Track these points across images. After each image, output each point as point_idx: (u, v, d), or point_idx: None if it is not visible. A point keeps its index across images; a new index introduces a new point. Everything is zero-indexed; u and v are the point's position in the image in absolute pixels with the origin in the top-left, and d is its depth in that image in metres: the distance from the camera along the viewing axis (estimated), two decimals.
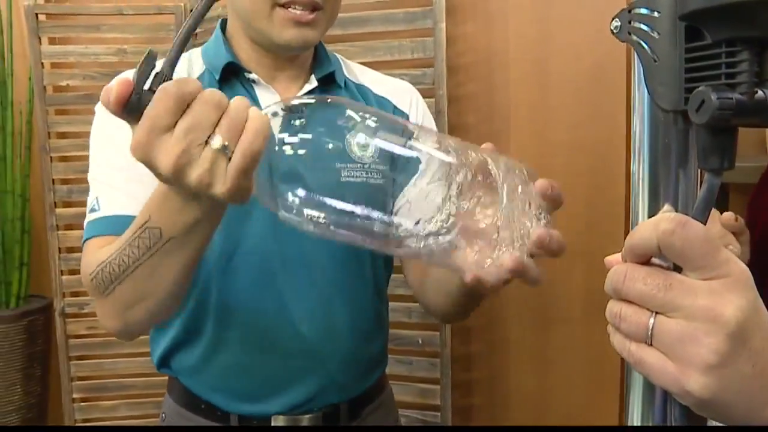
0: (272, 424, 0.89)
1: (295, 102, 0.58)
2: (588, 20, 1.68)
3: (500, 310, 1.85)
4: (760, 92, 0.36)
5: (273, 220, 0.85)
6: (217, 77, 0.88)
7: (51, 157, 2.12)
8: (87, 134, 2.26)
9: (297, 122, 0.56)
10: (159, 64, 0.53)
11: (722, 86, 0.36)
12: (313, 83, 0.91)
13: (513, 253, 0.55)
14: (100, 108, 0.87)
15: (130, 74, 0.51)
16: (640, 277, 0.38)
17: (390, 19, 1.76)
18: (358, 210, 0.56)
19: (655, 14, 0.39)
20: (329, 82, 0.93)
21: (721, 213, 0.86)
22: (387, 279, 1.00)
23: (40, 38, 2.07)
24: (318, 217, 0.54)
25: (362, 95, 0.96)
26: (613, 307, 0.40)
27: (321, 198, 0.54)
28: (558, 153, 1.77)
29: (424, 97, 1.14)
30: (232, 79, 0.89)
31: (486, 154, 0.58)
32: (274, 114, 0.56)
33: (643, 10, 0.39)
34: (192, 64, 0.91)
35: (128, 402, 2.19)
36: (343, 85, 0.95)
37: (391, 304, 1.72)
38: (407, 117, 0.97)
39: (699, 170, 0.38)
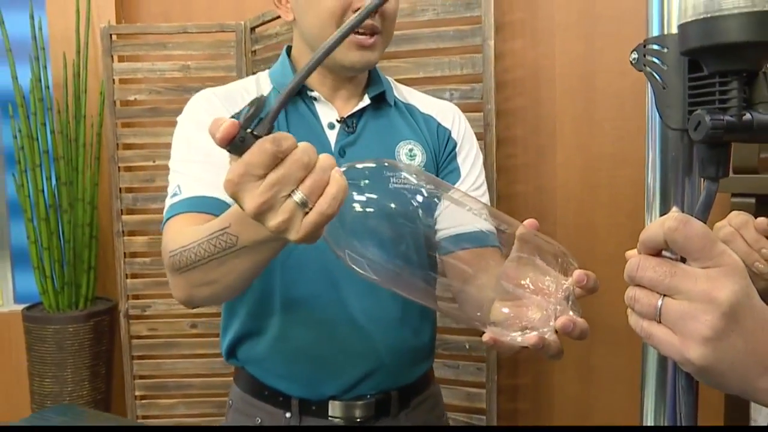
0: (329, 411, 0.98)
1: (359, 166, 0.64)
2: (632, 36, 1.72)
3: None
4: (747, 114, 0.43)
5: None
6: None
7: (119, 167, 2.26)
8: (151, 145, 2.40)
9: (362, 183, 0.63)
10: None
11: (716, 110, 0.43)
12: (366, 101, 1.02)
13: (537, 332, 0.62)
14: (181, 117, 0.99)
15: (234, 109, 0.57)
16: (651, 267, 0.45)
17: (440, 36, 1.85)
18: (405, 264, 0.64)
19: (665, 50, 0.46)
20: (380, 101, 1.04)
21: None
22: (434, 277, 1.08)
23: (112, 56, 2.22)
24: (374, 267, 0.62)
25: (410, 113, 1.07)
26: (629, 291, 0.47)
27: (378, 252, 0.62)
28: (603, 166, 1.82)
29: (473, 111, 1.22)
30: (295, 96, 1.00)
31: (523, 233, 0.66)
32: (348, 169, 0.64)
33: (655, 46, 0.47)
34: (260, 84, 1.02)
35: (186, 401, 2.31)
36: (393, 103, 1.05)
37: None
38: (450, 132, 1.06)
39: (700, 179, 0.46)
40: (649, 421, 0.51)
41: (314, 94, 1.00)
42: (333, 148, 0.98)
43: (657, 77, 0.47)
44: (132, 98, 2.26)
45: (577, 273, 0.61)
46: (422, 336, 1.05)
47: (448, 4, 1.83)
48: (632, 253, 0.48)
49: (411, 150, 1.01)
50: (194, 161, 0.93)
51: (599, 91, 1.82)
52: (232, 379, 1.08)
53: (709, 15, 0.42)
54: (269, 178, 0.52)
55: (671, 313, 0.44)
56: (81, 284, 2.35)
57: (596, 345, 1.86)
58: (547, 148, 1.89)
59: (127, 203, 2.29)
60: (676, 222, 0.43)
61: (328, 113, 1.00)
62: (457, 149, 1.05)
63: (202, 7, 2.35)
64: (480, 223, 0.76)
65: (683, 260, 0.45)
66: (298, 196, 0.53)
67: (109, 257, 2.44)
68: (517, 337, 0.62)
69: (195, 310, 2.29)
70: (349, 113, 1.00)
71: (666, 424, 0.50)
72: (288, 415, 0.98)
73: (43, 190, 2.28)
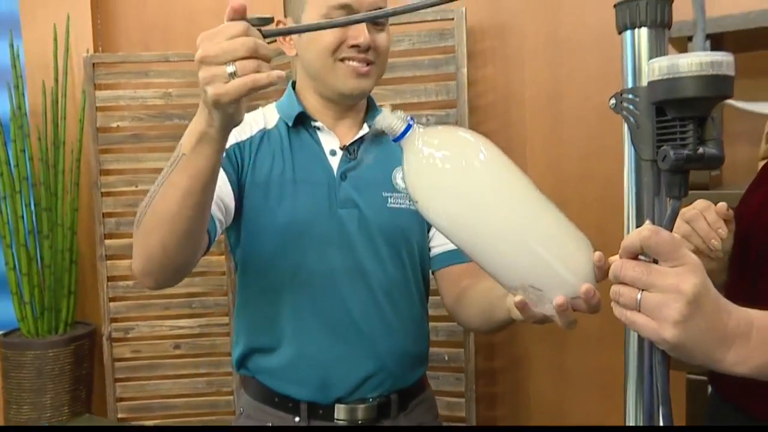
0: (335, 414, 1.05)
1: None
2: (596, 63, 1.86)
3: (521, 327, 2.00)
4: (701, 149, 0.56)
5: (331, 239, 1.04)
6: (290, 123, 1.08)
7: (101, 193, 2.29)
8: (134, 171, 2.41)
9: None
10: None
11: (677, 145, 0.56)
12: (366, 129, 1.11)
13: (562, 296, 0.68)
14: None
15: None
16: (631, 267, 0.56)
17: (416, 65, 1.96)
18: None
19: (637, 99, 0.59)
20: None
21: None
22: (427, 292, 1.17)
23: (95, 84, 2.26)
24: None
25: None
26: (614, 288, 0.58)
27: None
28: (570, 183, 1.94)
29: None
30: (299, 126, 1.09)
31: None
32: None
33: (629, 95, 0.59)
34: (266, 115, 1.11)
35: (169, 422, 2.32)
36: None
37: None
38: None
39: (667, 198, 0.58)
40: (630, 391, 0.61)
41: (317, 123, 1.09)
42: (335, 173, 1.06)
43: (632, 119, 0.59)
44: (114, 125, 2.29)
45: (587, 287, 0.67)
46: (420, 342, 1.14)
47: (423, 34, 1.94)
48: (615, 258, 0.59)
49: None
50: None
51: (566, 113, 1.94)
52: (224, 390, 1.14)
53: (671, 76, 0.54)
54: (227, 42, 0.68)
55: (648, 303, 0.55)
56: (61, 309, 2.36)
57: (569, 349, 1.97)
58: (518, 167, 1.99)
59: (110, 228, 2.31)
60: (649, 232, 0.55)
61: (330, 141, 1.09)
62: None
63: (182, 35, 2.40)
64: None
65: (656, 261, 0.56)
66: (231, 67, 0.68)
67: (88, 281, 2.45)
68: (546, 304, 0.68)
69: (178, 331, 2.33)
70: (351, 141, 1.09)
71: (645, 395, 0.60)
72: (297, 419, 1.05)
73: (22, 216, 2.30)
